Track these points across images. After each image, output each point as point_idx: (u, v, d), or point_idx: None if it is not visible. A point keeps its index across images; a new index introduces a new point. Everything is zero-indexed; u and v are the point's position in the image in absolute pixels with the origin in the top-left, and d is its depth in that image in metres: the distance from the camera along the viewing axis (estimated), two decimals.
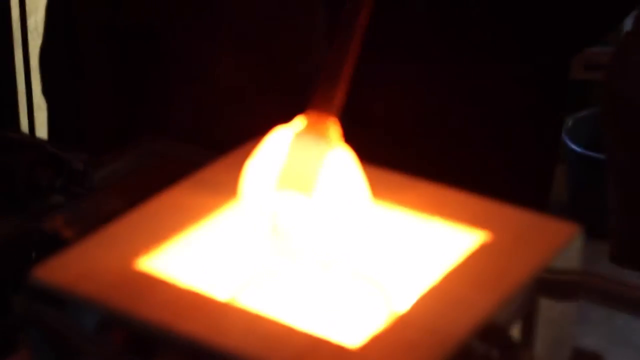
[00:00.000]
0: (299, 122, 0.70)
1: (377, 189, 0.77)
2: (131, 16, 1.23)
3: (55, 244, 0.75)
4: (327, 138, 0.69)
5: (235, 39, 1.20)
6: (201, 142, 1.09)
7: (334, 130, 0.69)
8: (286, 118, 0.74)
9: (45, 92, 1.38)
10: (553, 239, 0.72)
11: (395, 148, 1.17)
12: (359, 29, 0.70)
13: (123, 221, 0.74)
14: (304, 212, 0.69)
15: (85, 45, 1.27)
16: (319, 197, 0.68)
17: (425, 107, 1.18)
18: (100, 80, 1.28)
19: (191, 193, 0.77)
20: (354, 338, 0.65)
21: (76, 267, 0.69)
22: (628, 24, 1.40)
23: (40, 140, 1.09)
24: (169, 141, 1.07)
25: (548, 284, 0.71)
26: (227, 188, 0.77)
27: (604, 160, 1.41)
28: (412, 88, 1.17)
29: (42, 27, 1.37)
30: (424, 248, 0.76)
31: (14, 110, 1.87)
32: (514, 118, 1.21)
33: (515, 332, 0.70)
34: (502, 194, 0.95)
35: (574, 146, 2.53)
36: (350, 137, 1.03)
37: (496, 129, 1.20)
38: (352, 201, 0.70)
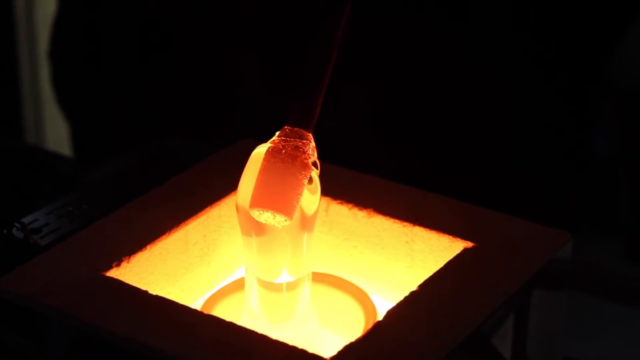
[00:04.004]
0: (277, 137, 0.68)
1: (365, 194, 0.76)
2: (148, 15, 1.22)
3: (24, 252, 0.73)
4: (301, 157, 0.67)
5: (247, 40, 1.19)
6: (209, 140, 1.07)
7: (309, 146, 0.67)
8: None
9: (60, 96, 1.37)
10: (542, 248, 0.70)
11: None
12: (334, 41, 0.68)
13: (93, 229, 0.72)
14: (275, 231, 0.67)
15: (104, 41, 1.26)
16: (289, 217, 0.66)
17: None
18: (119, 78, 1.27)
19: (165, 199, 0.75)
20: (328, 349, 0.63)
21: (43, 277, 0.67)
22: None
23: (28, 145, 1.07)
24: (173, 139, 1.06)
25: (540, 276, 0.69)
26: (201, 194, 0.75)
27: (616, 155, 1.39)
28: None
29: (49, 21, 1.35)
30: (410, 256, 0.73)
31: (18, 108, 1.84)
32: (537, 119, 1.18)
33: (503, 341, 0.67)
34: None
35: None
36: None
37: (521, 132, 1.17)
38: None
